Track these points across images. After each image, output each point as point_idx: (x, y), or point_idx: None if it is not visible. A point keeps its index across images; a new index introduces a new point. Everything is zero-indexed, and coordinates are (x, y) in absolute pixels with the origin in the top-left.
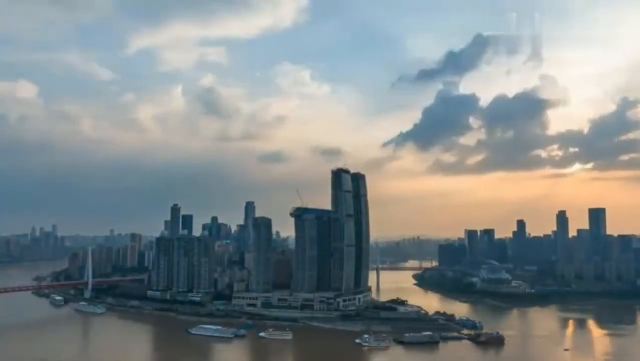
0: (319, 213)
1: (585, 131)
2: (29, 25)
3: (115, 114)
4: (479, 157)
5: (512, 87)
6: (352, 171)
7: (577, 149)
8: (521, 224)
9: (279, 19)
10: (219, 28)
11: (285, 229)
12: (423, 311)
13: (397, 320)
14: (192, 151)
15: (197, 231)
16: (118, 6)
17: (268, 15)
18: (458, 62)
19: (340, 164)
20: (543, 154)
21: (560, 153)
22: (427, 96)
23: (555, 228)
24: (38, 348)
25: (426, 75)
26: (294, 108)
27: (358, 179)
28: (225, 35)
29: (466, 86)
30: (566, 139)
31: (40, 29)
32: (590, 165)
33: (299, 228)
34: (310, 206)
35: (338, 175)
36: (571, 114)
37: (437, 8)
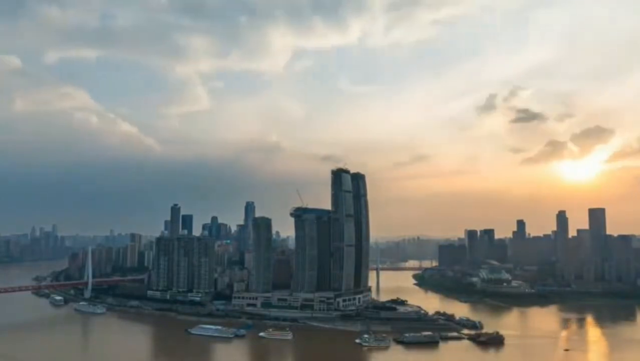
0: (319, 213)
1: None
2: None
3: (138, 115)
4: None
5: None
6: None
7: None
8: (521, 224)
9: (367, 36)
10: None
11: (285, 229)
12: (423, 311)
13: (397, 320)
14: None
15: (197, 231)
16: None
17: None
18: None
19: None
20: None
21: None
22: None
23: (555, 228)
24: (38, 348)
25: None
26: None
27: (358, 179)
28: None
29: None
30: None
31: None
32: None
33: (299, 228)
34: (310, 205)
35: (338, 175)
36: None
37: None
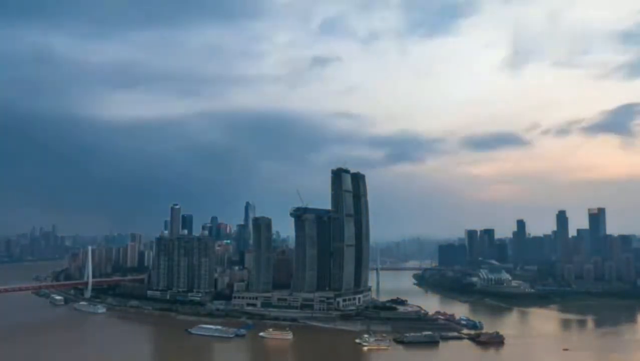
0: (319, 213)
1: None
2: None
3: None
4: None
5: None
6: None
7: None
8: (521, 224)
9: None
10: None
11: (285, 229)
12: (423, 311)
13: (397, 320)
14: None
15: (197, 231)
16: None
17: None
18: None
19: None
20: None
21: None
22: None
23: (555, 228)
24: (38, 348)
25: None
26: None
27: (358, 179)
28: None
29: None
30: None
31: None
32: None
33: (299, 228)
34: (311, 206)
35: (338, 175)
36: None
37: None
